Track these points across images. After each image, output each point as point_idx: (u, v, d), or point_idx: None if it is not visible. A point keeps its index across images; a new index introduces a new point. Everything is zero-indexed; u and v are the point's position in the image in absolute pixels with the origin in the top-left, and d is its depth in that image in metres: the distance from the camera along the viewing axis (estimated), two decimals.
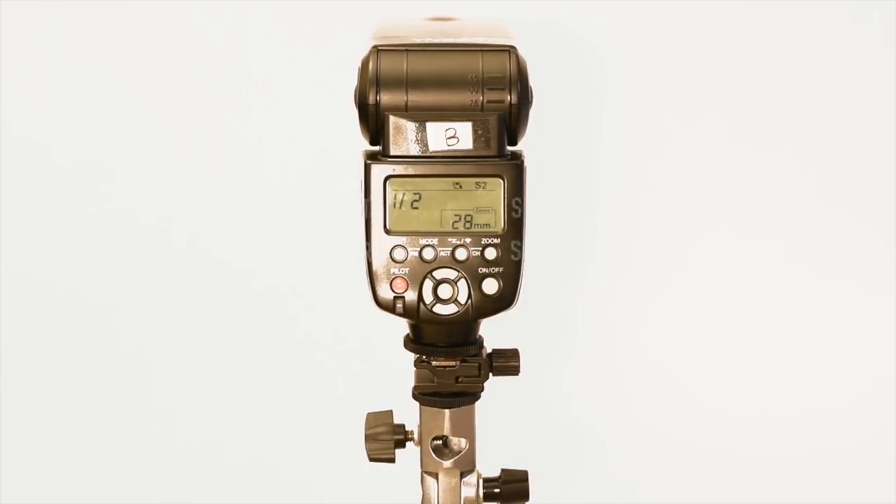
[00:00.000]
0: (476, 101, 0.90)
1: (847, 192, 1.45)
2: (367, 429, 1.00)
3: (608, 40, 1.42)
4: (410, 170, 0.91)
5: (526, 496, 1.01)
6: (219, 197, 1.44)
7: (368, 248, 0.91)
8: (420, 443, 0.98)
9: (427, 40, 0.93)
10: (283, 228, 1.45)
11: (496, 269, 0.91)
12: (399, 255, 0.91)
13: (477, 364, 0.95)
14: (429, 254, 0.91)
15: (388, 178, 0.91)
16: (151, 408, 1.47)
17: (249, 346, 1.46)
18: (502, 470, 1.01)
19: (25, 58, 1.42)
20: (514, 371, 0.97)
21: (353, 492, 1.44)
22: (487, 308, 0.92)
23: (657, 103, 1.43)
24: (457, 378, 0.95)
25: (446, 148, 0.91)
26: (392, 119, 0.90)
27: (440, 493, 0.98)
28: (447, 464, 0.98)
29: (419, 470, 0.99)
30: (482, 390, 0.97)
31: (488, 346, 0.97)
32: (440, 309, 0.92)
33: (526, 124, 0.92)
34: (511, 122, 0.91)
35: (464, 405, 0.97)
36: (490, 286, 0.91)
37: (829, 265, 1.47)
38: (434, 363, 0.95)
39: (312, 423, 1.47)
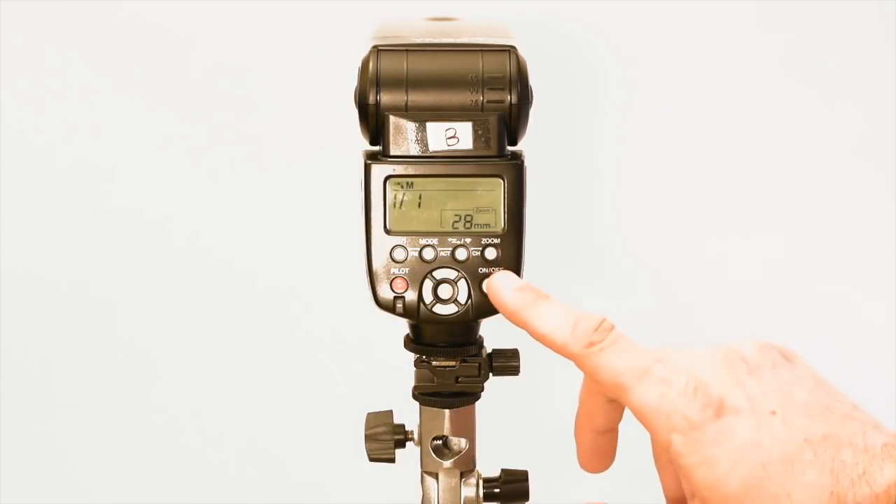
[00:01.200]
0: (476, 101, 0.90)
1: (848, 190, 1.45)
2: (367, 429, 0.99)
3: (608, 40, 1.42)
4: (410, 170, 0.91)
5: (526, 496, 1.01)
6: (219, 197, 1.44)
7: (368, 248, 0.91)
8: (420, 443, 0.98)
9: (427, 40, 0.92)
10: (284, 228, 1.45)
11: (496, 269, 0.91)
12: (399, 255, 0.91)
13: (477, 364, 0.95)
14: (429, 254, 0.91)
15: (388, 178, 0.91)
16: (151, 407, 1.47)
17: (249, 346, 1.46)
18: (502, 470, 1.01)
19: (25, 57, 1.42)
20: (514, 371, 0.97)
21: (353, 492, 1.44)
22: (487, 308, 0.92)
23: (657, 103, 1.43)
24: (457, 378, 0.95)
25: (446, 148, 0.91)
26: (392, 119, 0.90)
27: (440, 493, 0.98)
28: (447, 464, 0.98)
29: (419, 470, 0.99)
30: (482, 390, 0.97)
31: (488, 346, 0.97)
32: (440, 309, 0.92)
33: (526, 124, 0.92)
34: (511, 122, 0.91)
35: (464, 405, 0.97)
36: None
37: (830, 264, 1.47)
38: (434, 363, 0.95)
39: (312, 423, 1.47)
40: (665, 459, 0.85)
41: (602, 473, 1.38)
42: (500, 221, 0.91)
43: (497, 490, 1.00)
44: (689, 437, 0.74)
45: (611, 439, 0.87)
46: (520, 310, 0.84)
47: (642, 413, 0.76)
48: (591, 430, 0.86)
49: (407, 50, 0.91)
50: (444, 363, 0.95)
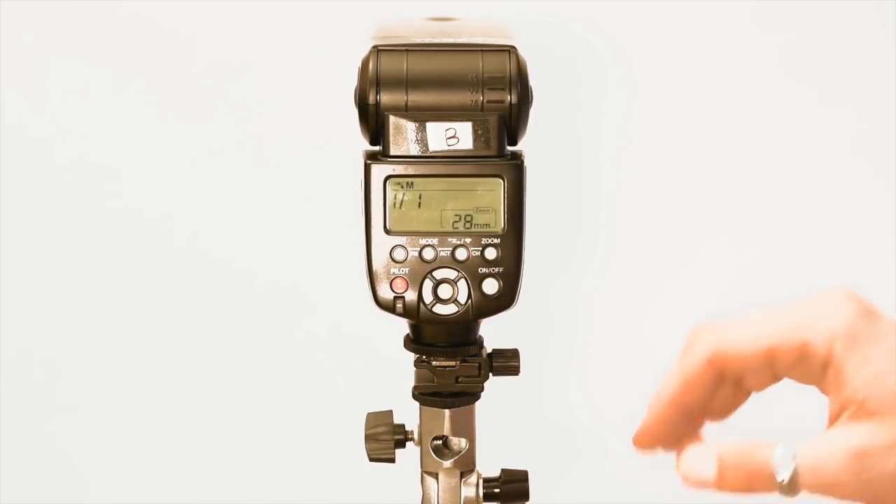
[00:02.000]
0: (476, 101, 0.90)
1: (848, 191, 1.45)
2: (367, 429, 0.99)
3: (608, 40, 1.42)
4: (410, 170, 0.91)
5: (526, 496, 1.01)
6: (219, 196, 1.44)
7: (368, 248, 0.91)
8: (420, 443, 0.98)
9: (427, 40, 0.93)
10: (284, 228, 1.45)
11: (496, 269, 0.91)
12: (399, 255, 0.91)
13: (477, 364, 0.95)
14: (429, 254, 0.91)
15: (387, 178, 0.91)
16: (151, 407, 1.47)
17: (250, 346, 1.46)
18: (502, 470, 1.01)
19: (25, 57, 1.42)
20: (514, 371, 0.97)
21: (353, 492, 1.44)
22: (487, 308, 0.92)
23: (657, 103, 1.43)
24: (457, 378, 0.95)
25: (446, 148, 0.91)
26: (392, 119, 0.90)
27: (440, 493, 0.98)
28: (447, 464, 0.98)
29: (419, 470, 0.99)
30: (482, 390, 0.97)
31: (488, 346, 0.97)
32: (440, 309, 0.92)
33: (526, 124, 0.92)
34: (511, 122, 0.91)
35: (464, 405, 0.97)
36: (490, 286, 0.91)
37: (831, 264, 1.47)
38: (434, 363, 0.95)
39: (312, 423, 1.47)
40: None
41: (601, 474, 1.38)
42: (500, 221, 0.91)
43: (497, 490, 1.00)
44: (849, 335, 0.74)
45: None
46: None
47: (798, 328, 0.76)
48: (682, 412, 0.84)
49: (407, 50, 0.91)
50: (444, 363, 0.95)
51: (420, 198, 0.91)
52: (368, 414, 1.01)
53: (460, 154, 0.91)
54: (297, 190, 1.44)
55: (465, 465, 0.99)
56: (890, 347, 0.74)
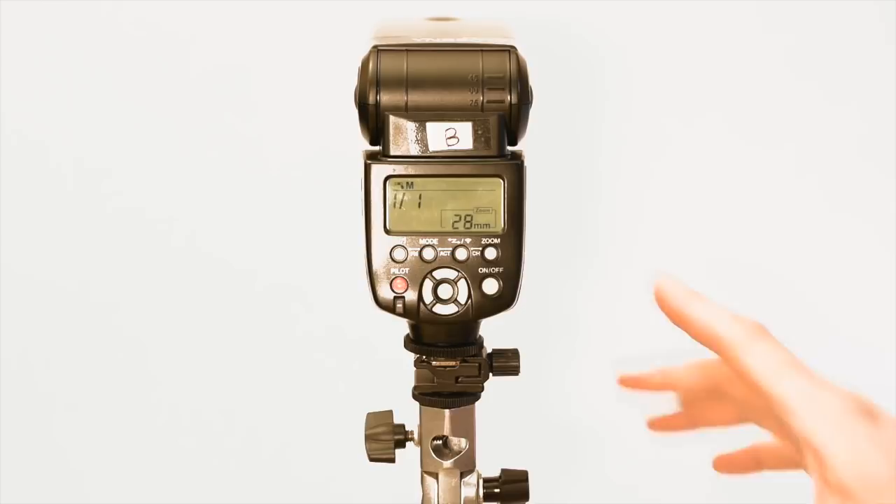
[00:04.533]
0: (476, 101, 0.90)
1: (849, 191, 1.45)
2: (367, 429, 1.00)
3: (608, 40, 1.42)
4: (410, 170, 0.91)
5: (526, 496, 1.01)
6: (219, 197, 1.44)
7: (368, 248, 0.91)
8: (420, 443, 0.99)
9: (427, 40, 0.93)
10: (284, 228, 1.45)
11: (496, 269, 0.91)
12: (399, 255, 0.91)
13: (477, 364, 0.95)
14: (429, 254, 0.91)
15: (387, 178, 0.91)
16: (151, 407, 1.47)
17: (250, 346, 1.47)
18: (502, 470, 1.01)
19: (25, 58, 1.42)
20: (514, 371, 0.97)
21: (353, 492, 1.44)
22: (487, 308, 0.92)
23: (657, 103, 1.43)
24: (457, 378, 0.95)
25: (446, 148, 0.91)
26: (392, 119, 0.90)
27: (440, 493, 0.98)
28: (447, 464, 0.98)
29: (419, 470, 0.99)
30: (482, 390, 0.97)
31: (488, 346, 0.97)
32: (440, 309, 0.92)
33: (526, 124, 0.92)
34: (511, 122, 0.91)
35: (464, 405, 0.97)
36: (490, 286, 0.91)
37: (831, 264, 1.47)
38: (434, 363, 0.95)
39: (312, 423, 1.47)
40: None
41: (600, 475, 1.38)
42: (500, 221, 0.91)
43: (497, 490, 1.00)
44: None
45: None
46: None
47: None
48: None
49: (407, 50, 0.91)
50: (444, 363, 0.95)
51: (420, 198, 0.91)
52: (368, 414, 1.01)
53: (460, 154, 0.91)
54: (296, 190, 1.44)
55: (465, 465, 0.99)
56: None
